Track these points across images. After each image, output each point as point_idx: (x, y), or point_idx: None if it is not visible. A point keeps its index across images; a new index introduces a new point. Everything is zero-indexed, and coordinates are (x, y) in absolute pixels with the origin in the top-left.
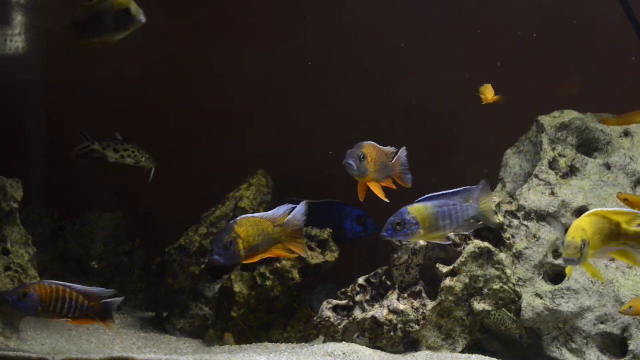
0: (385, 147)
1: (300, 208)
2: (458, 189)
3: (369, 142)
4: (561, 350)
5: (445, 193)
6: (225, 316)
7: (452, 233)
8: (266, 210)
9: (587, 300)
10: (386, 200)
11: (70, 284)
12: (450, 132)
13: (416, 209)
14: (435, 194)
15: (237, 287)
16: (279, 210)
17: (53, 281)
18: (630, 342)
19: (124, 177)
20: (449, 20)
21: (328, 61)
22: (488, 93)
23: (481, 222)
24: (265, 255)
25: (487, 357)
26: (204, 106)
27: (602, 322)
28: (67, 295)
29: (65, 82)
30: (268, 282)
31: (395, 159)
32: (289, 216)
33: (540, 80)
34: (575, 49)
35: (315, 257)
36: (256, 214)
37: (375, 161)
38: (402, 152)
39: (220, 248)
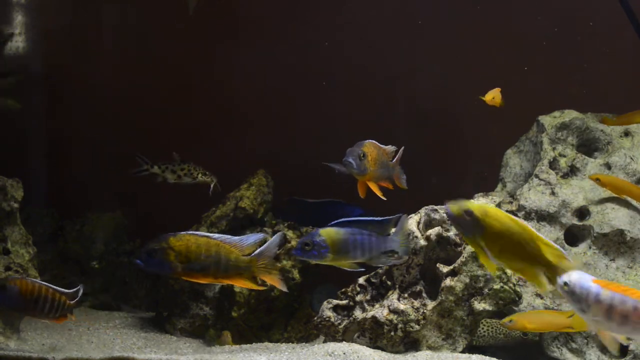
0: (387, 146)
1: (275, 239)
2: (378, 218)
3: (370, 140)
4: (561, 350)
5: (364, 220)
6: (226, 316)
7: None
8: (266, 210)
9: None
10: (383, 198)
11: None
12: (450, 132)
13: (328, 233)
14: (355, 219)
15: (237, 287)
16: (248, 239)
17: (37, 280)
18: (630, 342)
19: (124, 177)
20: (449, 20)
21: (328, 61)
22: (497, 97)
23: (394, 259)
24: (224, 282)
25: (487, 357)
26: (205, 106)
27: None
28: (50, 295)
29: (65, 81)
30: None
31: (395, 159)
32: (262, 247)
33: (541, 80)
34: (575, 49)
35: None
36: (215, 235)
37: (375, 160)
38: (401, 152)
39: (144, 254)
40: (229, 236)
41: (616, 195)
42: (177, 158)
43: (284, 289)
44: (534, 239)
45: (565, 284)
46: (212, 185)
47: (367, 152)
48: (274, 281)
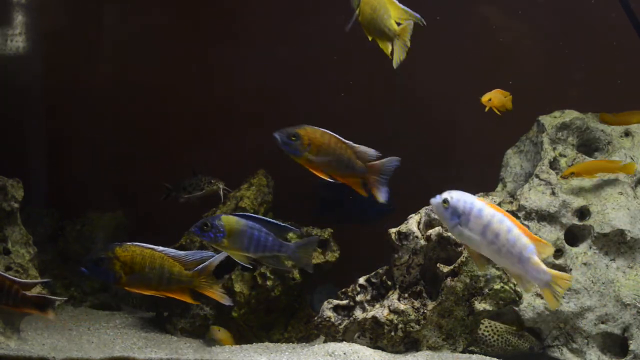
0: (359, 145)
1: (220, 256)
2: (282, 223)
3: (321, 129)
4: (562, 350)
5: (269, 221)
6: (226, 316)
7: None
8: (267, 210)
9: (587, 300)
10: (330, 180)
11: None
12: (450, 132)
13: (228, 220)
14: (261, 217)
15: (237, 287)
16: (194, 255)
17: None
18: (631, 342)
19: (125, 176)
20: (449, 20)
21: (329, 61)
22: (508, 102)
23: (288, 267)
24: (166, 295)
25: (487, 357)
26: (205, 106)
27: (602, 322)
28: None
29: (66, 81)
30: (269, 282)
31: (375, 162)
32: (205, 264)
33: (541, 80)
34: (575, 49)
35: (316, 257)
36: (159, 248)
37: (321, 149)
38: (392, 161)
39: (90, 262)
40: (174, 250)
41: (593, 177)
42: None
43: (228, 303)
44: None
45: (445, 200)
46: (220, 192)
47: (302, 135)
48: (216, 296)
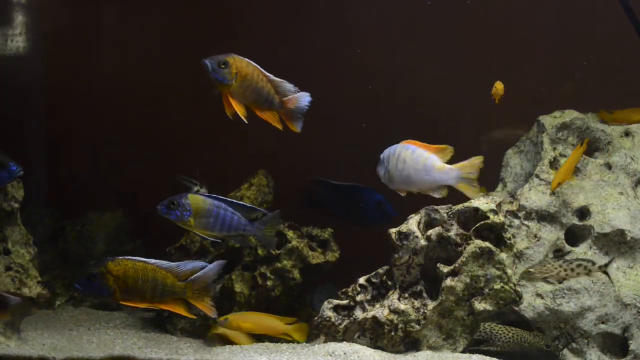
0: (279, 79)
1: (213, 267)
2: (247, 204)
3: (247, 59)
4: (562, 350)
5: (234, 202)
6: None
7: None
8: (267, 210)
9: (588, 300)
10: (245, 121)
11: None
12: (451, 131)
13: (195, 199)
14: (223, 198)
15: (238, 287)
16: (185, 265)
17: None
18: (631, 342)
19: (125, 176)
20: (449, 19)
21: (329, 60)
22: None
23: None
24: (159, 307)
25: (487, 357)
26: (205, 106)
27: (603, 322)
28: None
29: (66, 81)
30: (269, 282)
31: (289, 98)
32: (199, 274)
33: (541, 79)
34: (576, 48)
35: (316, 257)
36: (152, 260)
37: (245, 79)
38: (304, 96)
39: (83, 278)
40: (166, 262)
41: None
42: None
43: (214, 316)
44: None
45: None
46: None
47: (231, 64)
48: (205, 308)
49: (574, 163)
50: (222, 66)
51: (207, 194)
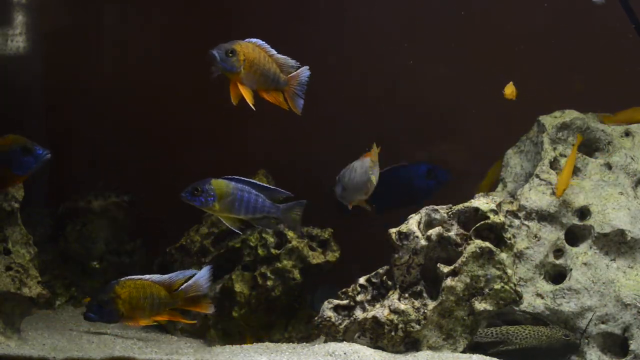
0: (281, 56)
1: (203, 273)
2: (271, 186)
3: (253, 41)
4: None
5: (257, 184)
6: (227, 316)
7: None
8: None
9: (588, 300)
10: (253, 108)
11: None
12: (451, 132)
13: (218, 184)
14: (247, 179)
15: (238, 287)
16: (177, 275)
17: None
18: (631, 342)
19: (125, 176)
20: (449, 19)
21: (329, 60)
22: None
23: (277, 227)
24: (157, 319)
25: (488, 357)
26: (206, 105)
27: (603, 322)
28: None
29: (66, 81)
30: (269, 282)
31: (292, 74)
32: (190, 281)
33: (542, 79)
34: (576, 48)
35: (316, 257)
36: (146, 276)
37: (253, 64)
38: (304, 70)
39: (95, 306)
40: (158, 275)
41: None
42: None
43: (211, 311)
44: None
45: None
46: None
47: (239, 51)
48: (203, 308)
49: (572, 164)
50: (230, 54)
51: (230, 177)
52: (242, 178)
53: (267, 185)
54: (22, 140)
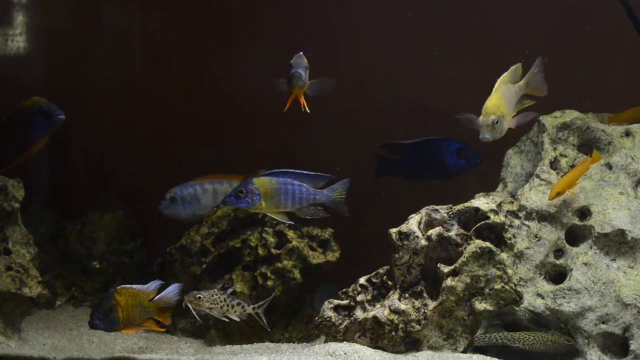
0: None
1: (173, 289)
2: (311, 172)
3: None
4: None
5: (297, 173)
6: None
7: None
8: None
9: (588, 300)
10: (308, 111)
11: None
12: (451, 132)
13: (261, 182)
14: (288, 170)
15: (238, 287)
16: (150, 286)
17: None
18: (631, 342)
19: (125, 177)
20: (449, 19)
21: (329, 60)
22: None
23: (323, 213)
24: (141, 328)
25: (488, 357)
26: (206, 106)
27: (603, 322)
28: None
29: (66, 81)
30: (269, 282)
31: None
32: (162, 294)
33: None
34: (576, 48)
35: (316, 257)
36: (135, 286)
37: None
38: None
39: (100, 314)
40: (139, 285)
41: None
42: None
43: (169, 322)
44: None
45: None
46: None
47: (308, 66)
48: (164, 318)
49: (578, 175)
50: (306, 71)
51: (270, 172)
52: (283, 170)
53: (308, 172)
54: (42, 101)
